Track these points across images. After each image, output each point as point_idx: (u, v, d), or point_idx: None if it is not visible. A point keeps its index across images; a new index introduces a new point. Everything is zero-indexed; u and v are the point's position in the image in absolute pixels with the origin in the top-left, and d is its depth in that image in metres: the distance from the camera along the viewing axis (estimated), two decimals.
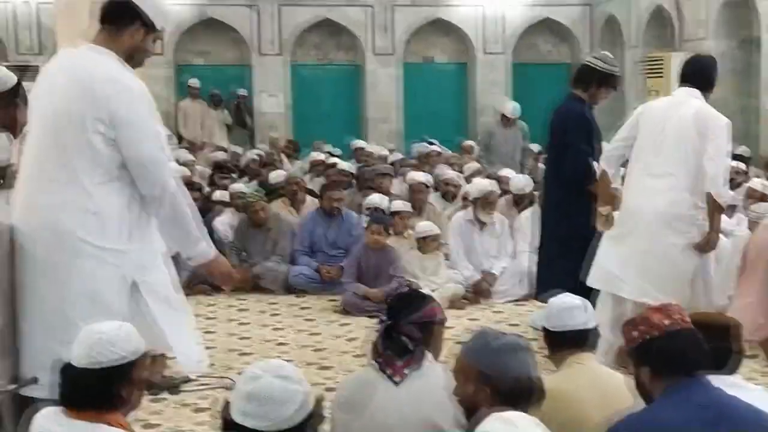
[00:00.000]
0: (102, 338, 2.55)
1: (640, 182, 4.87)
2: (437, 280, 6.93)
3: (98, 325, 2.60)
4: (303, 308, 6.89)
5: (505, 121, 10.60)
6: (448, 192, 8.53)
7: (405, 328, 2.96)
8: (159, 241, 3.55)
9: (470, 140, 12.43)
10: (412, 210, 7.58)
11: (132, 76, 3.39)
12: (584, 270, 4.99)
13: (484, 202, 7.24)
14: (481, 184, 7.48)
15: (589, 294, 4.36)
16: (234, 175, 10.05)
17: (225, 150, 12.57)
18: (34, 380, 3.18)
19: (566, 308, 3.21)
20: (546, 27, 15.97)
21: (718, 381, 2.44)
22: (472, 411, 2.54)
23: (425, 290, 6.27)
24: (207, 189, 8.94)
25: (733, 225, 6.78)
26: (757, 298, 4.80)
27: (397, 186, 8.81)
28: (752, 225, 6.14)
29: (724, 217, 5.33)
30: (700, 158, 4.66)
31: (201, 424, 4.33)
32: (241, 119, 14.73)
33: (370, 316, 6.17)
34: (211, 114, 14.16)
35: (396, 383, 2.94)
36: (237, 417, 2.21)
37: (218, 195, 8.42)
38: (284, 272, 7.35)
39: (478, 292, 7.01)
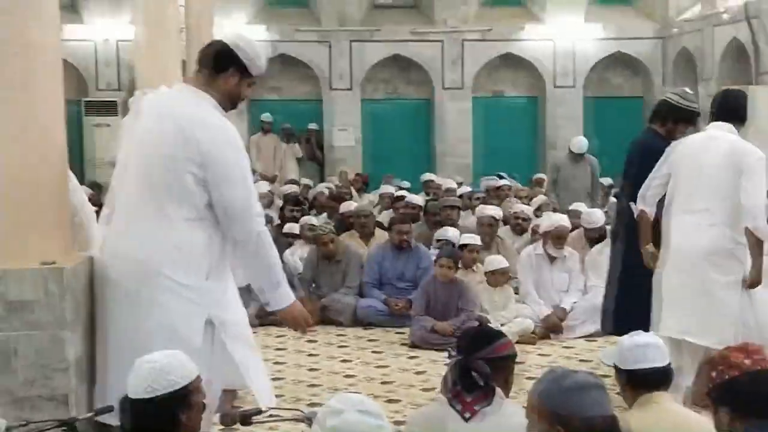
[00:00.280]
0: (155, 367, 2.58)
1: (678, 219, 4.85)
2: (507, 315, 6.88)
3: (149, 356, 2.63)
4: (371, 341, 6.91)
5: (573, 156, 10.56)
6: (518, 225, 8.48)
7: (475, 364, 2.94)
8: (233, 278, 3.62)
9: (542, 174, 12.36)
10: (481, 243, 7.56)
11: (225, 120, 3.48)
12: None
13: (555, 236, 7.17)
14: (552, 218, 7.42)
15: None
16: (305, 207, 10.16)
17: (297, 183, 12.72)
18: (110, 408, 3.24)
19: (639, 346, 3.13)
20: (618, 60, 15.81)
21: None
22: None
23: (495, 324, 6.26)
24: (277, 221, 9.06)
25: None
26: None
27: (466, 219, 8.79)
28: None
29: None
30: (737, 193, 4.62)
31: None
32: (312, 153, 14.93)
33: (438, 350, 6.14)
34: (283, 148, 14.37)
35: (466, 419, 2.92)
36: None
37: (289, 227, 8.51)
38: (353, 304, 7.38)
39: (548, 327, 6.93)
